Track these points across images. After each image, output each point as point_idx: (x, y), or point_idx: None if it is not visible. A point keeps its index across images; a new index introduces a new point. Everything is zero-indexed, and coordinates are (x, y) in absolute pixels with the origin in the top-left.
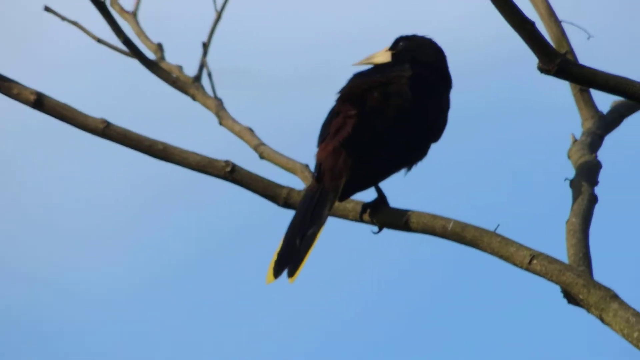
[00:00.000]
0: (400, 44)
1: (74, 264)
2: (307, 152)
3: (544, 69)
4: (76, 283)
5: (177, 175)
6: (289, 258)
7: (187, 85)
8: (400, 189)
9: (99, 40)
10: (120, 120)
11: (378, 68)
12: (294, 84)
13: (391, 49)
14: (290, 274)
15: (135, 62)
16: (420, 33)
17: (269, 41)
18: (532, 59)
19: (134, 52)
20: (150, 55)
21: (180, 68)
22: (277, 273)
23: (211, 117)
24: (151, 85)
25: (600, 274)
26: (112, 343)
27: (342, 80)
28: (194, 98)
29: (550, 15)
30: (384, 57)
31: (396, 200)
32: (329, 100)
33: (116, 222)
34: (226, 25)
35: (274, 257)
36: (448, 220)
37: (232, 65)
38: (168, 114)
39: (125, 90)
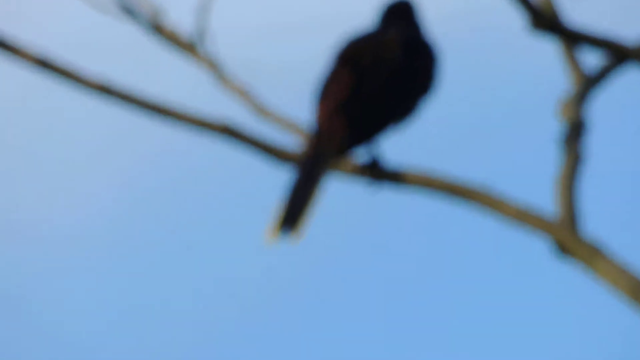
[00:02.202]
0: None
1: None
2: (303, 113)
3: (533, 25)
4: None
5: (176, 136)
6: (290, 218)
7: (187, 47)
8: (394, 145)
9: (96, 6)
10: (119, 80)
11: (370, 32)
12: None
13: None
14: (292, 234)
15: (133, 26)
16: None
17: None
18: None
19: (132, 16)
20: (149, 18)
21: (179, 30)
22: (278, 232)
23: (209, 77)
24: (148, 44)
25: (589, 229)
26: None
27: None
28: (192, 57)
29: None
30: None
31: (390, 156)
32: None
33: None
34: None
35: (275, 217)
36: (441, 175)
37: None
38: (165, 73)
39: (125, 54)
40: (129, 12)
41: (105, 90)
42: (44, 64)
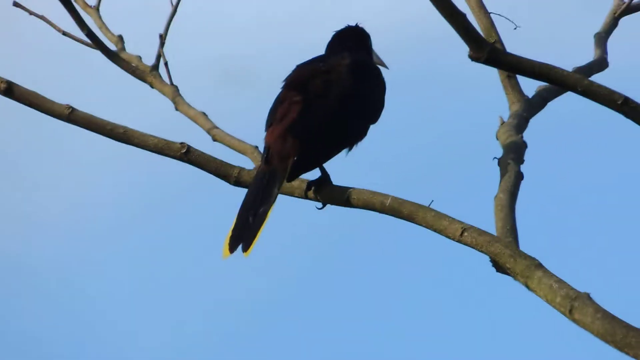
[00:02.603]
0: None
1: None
2: (257, 136)
3: (474, 57)
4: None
5: (136, 156)
6: (243, 234)
7: (146, 74)
8: (342, 167)
9: (64, 33)
10: (85, 106)
11: (319, 58)
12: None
13: None
14: (245, 249)
15: (97, 53)
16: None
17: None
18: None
19: (96, 43)
20: (112, 46)
21: (139, 58)
22: (232, 248)
23: (168, 103)
24: (112, 74)
25: (525, 245)
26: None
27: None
28: (152, 85)
29: (480, 7)
30: None
31: (338, 178)
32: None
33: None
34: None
35: (229, 233)
36: (386, 196)
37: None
38: (128, 100)
39: (89, 79)
40: (93, 39)
41: (69, 118)
42: (10, 92)
